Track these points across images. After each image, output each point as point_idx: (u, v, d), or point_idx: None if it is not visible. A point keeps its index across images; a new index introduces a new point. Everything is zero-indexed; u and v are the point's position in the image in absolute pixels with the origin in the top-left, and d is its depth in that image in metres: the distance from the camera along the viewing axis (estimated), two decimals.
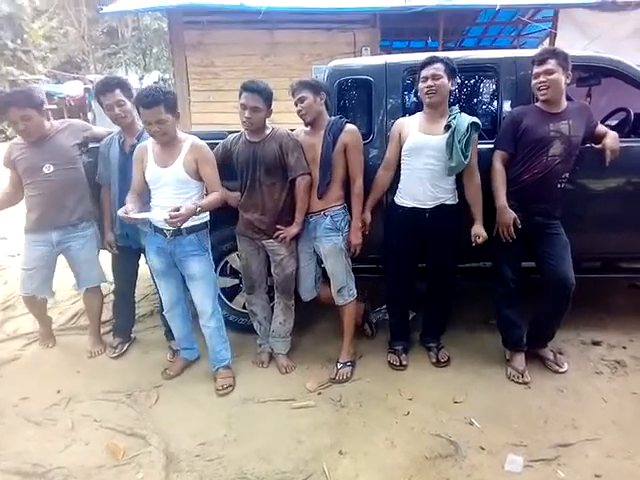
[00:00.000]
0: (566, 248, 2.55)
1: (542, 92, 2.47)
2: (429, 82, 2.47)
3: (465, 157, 2.44)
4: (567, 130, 2.48)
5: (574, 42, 6.51)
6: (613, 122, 3.27)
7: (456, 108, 2.57)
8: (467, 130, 2.45)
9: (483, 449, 2.15)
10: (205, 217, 2.58)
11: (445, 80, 2.47)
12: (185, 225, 2.45)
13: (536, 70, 2.48)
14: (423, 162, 2.54)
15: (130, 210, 2.33)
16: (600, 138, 2.61)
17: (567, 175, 2.55)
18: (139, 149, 2.55)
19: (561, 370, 2.69)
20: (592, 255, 3.14)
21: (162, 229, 2.50)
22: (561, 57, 2.44)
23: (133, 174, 2.55)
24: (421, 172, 2.56)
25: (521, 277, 2.68)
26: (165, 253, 2.56)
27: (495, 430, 2.27)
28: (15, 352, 3.11)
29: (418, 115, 2.64)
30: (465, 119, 2.48)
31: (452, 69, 2.50)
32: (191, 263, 2.56)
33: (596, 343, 2.98)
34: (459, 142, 2.43)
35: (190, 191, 2.46)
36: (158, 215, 2.36)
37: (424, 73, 2.50)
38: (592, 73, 3.15)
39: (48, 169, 2.73)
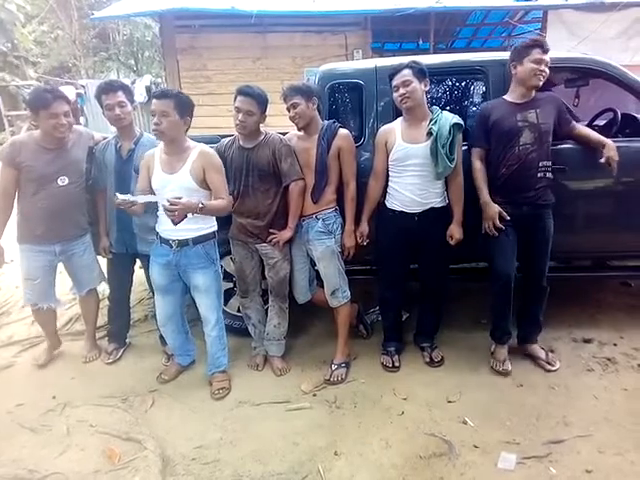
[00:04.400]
0: (547, 243, 2.63)
1: (539, 78, 2.48)
2: (401, 90, 2.50)
3: (451, 161, 2.46)
4: (535, 118, 2.51)
5: (563, 43, 6.57)
6: (601, 122, 3.31)
7: (437, 109, 2.59)
8: (450, 133, 2.46)
9: (476, 447, 2.18)
10: (213, 227, 2.57)
11: (416, 84, 2.48)
12: (192, 235, 2.45)
13: (538, 56, 2.46)
14: (410, 170, 2.57)
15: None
16: (583, 138, 2.67)
17: (547, 163, 2.56)
18: (146, 156, 2.53)
19: (553, 368, 2.72)
20: (582, 254, 3.18)
21: (168, 239, 2.48)
22: (545, 49, 2.48)
23: (139, 181, 2.54)
24: (409, 179, 2.58)
25: (515, 270, 2.70)
26: (170, 266, 2.54)
27: (488, 428, 2.29)
28: (10, 359, 3.10)
29: (400, 121, 2.65)
30: (447, 121, 2.49)
31: (420, 71, 2.51)
32: (196, 275, 2.54)
33: (587, 341, 3.02)
34: (443, 147, 2.45)
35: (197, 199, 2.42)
36: (158, 198, 2.28)
37: (394, 82, 2.54)
38: (579, 74, 3.19)
39: (62, 181, 2.68)
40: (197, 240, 2.48)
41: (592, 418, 2.33)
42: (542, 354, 2.78)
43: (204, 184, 2.43)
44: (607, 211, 2.92)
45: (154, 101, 2.33)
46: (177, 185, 2.38)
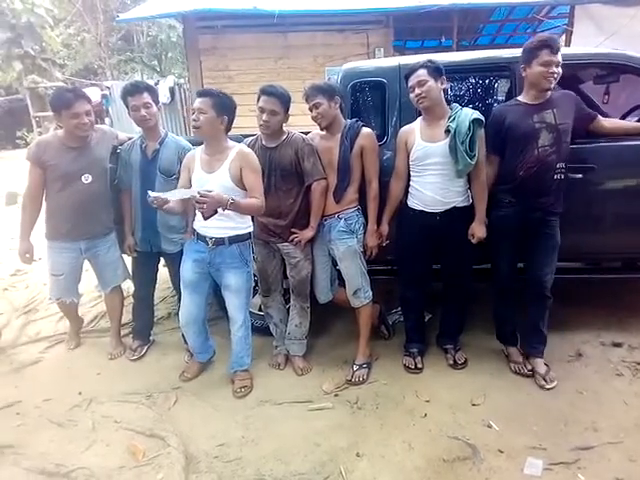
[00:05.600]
0: (553, 251, 2.55)
1: (549, 80, 2.37)
2: (417, 90, 2.47)
3: (471, 157, 2.41)
4: (552, 119, 2.43)
5: (591, 38, 6.40)
6: (633, 119, 3.22)
7: (456, 106, 2.54)
8: (469, 129, 2.41)
9: (501, 452, 2.13)
10: (249, 227, 2.58)
11: (431, 83, 2.43)
12: (228, 234, 2.47)
13: (547, 58, 2.34)
14: (431, 169, 2.53)
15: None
16: (618, 130, 2.63)
17: (562, 165, 2.48)
18: (187, 157, 2.59)
19: (547, 386, 2.54)
20: (612, 255, 3.09)
21: (205, 237, 2.50)
22: (555, 48, 2.35)
23: (180, 181, 2.59)
24: (429, 178, 2.55)
25: (517, 274, 2.67)
26: (203, 264, 2.55)
27: (514, 433, 2.25)
28: (37, 355, 3.17)
29: (419, 120, 2.62)
30: (466, 117, 2.43)
31: (436, 69, 2.46)
32: (228, 275, 2.56)
33: (617, 344, 2.93)
34: (462, 144, 2.39)
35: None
36: (189, 193, 2.28)
37: (410, 83, 2.50)
38: (609, 70, 3.10)
39: (87, 179, 2.75)
40: (233, 239, 2.50)
41: (622, 424, 2.26)
42: (542, 369, 2.62)
43: (241, 183, 2.44)
44: (636, 211, 2.82)
45: (196, 99, 2.42)
46: (215, 184, 2.41)
